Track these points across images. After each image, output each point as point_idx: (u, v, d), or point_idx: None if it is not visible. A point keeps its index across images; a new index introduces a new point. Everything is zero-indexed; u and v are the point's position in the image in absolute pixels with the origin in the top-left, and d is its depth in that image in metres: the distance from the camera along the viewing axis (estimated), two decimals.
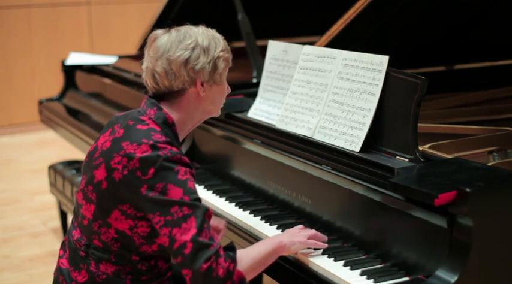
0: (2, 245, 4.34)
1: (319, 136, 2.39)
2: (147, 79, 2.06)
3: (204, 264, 1.83)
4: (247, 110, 2.83)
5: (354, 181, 2.16)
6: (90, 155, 2.05)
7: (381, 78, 2.23)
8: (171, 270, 2.12)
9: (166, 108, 2.04)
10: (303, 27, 4.89)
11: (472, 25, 3.32)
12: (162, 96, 2.06)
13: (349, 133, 2.28)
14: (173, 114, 2.04)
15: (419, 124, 2.15)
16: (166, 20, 4.44)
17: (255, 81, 3.61)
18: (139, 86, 3.73)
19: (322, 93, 2.44)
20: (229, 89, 2.16)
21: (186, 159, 1.94)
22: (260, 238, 2.30)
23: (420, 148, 2.18)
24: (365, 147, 2.23)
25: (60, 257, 2.10)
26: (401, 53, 3.14)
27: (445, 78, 3.54)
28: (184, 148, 3.17)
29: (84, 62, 4.85)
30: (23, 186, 5.49)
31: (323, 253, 2.12)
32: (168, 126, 2.01)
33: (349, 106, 2.32)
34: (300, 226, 2.19)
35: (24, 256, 4.15)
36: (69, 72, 4.95)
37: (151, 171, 1.89)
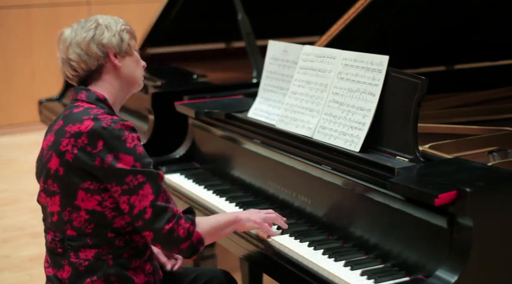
0: (2, 245, 4.34)
1: (319, 136, 2.39)
2: (66, 72, 2.17)
3: (166, 225, 1.99)
4: (247, 110, 2.83)
5: (354, 181, 2.16)
6: (39, 160, 2.14)
7: (381, 78, 2.23)
8: (150, 249, 2.17)
9: (93, 89, 2.15)
10: (303, 27, 4.89)
11: (472, 25, 3.32)
12: (85, 81, 2.17)
13: (349, 133, 2.28)
14: (101, 92, 2.15)
15: (419, 124, 2.15)
16: (166, 20, 4.45)
17: (255, 81, 3.61)
18: None
19: (322, 93, 2.44)
20: (144, 63, 2.27)
21: (129, 123, 2.05)
22: (261, 239, 2.30)
23: (420, 148, 2.18)
24: (365, 147, 2.23)
25: (46, 268, 2.15)
26: (401, 53, 3.14)
27: (445, 78, 3.54)
28: (184, 148, 3.17)
29: None
30: (23, 186, 5.49)
31: (324, 253, 2.12)
32: (101, 101, 2.12)
33: (349, 106, 2.32)
34: (270, 210, 2.30)
35: (24, 256, 4.15)
36: None
37: (100, 143, 1.99)
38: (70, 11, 7.35)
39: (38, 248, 4.24)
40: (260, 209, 2.42)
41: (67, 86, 5.00)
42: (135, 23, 2.20)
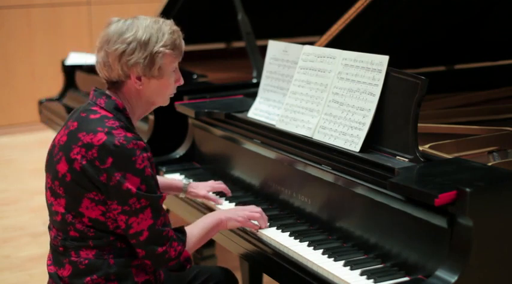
0: (2, 245, 4.34)
1: (319, 136, 2.39)
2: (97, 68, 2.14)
3: (160, 248, 2.01)
4: (247, 110, 2.83)
5: (354, 181, 2.16)
6: (50, 153, 2.10)
7: (381, 78, 2.23)
8: None
9: (114, 96, 2.10)
10: (302, 27, 4.89)
11: (472, 25, 3.32)
12: (108, 83, 2.12)
13: (349, 133, 2.28)
14: (121, 100, 2.10)
15: (419, 124, 2.15)
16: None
17: (255, 81, 3.61)
18: None
19: (322, 93, 2.44)
20: (182, 81, 2.18)
21: (141, 143, 2.00)
22: (261, 238, 2.30)
23: (420, 148, 2.18)
24: (365, 147, 2.23)
25: (48, 265, 2.16)
26: (401, 53, 3.14)
27: (445, 78, 3.54)
28: (184, 148, 3.17)
29: (84, 62, 4.85)
30: (23, 186, 5.49)
31: (323, 253, 2.12)
32: (119, 111, 2.07)
33: (349, 106, 2.32)
34: (251, 206, 2.35)
35: (24, 256, 4.15)
36: (69, 72, 4.95)
37: (109, 160, 1.95)
38: (70, 11, 7.35)
39: (38, 248, 4.24)
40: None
41: (67, 86, 5.00)
42: None
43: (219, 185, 2.64)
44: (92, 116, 2.04)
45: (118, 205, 1.97)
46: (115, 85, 2.11)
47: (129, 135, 1.99)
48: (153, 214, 1.99)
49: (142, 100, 2.13)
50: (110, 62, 2.05)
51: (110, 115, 2.04)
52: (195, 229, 2.17)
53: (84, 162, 1.97)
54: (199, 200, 2.67)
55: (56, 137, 2.10)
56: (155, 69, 2.06)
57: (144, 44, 2.03)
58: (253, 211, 2.31)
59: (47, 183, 2.10)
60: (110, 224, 2.03)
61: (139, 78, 2.07)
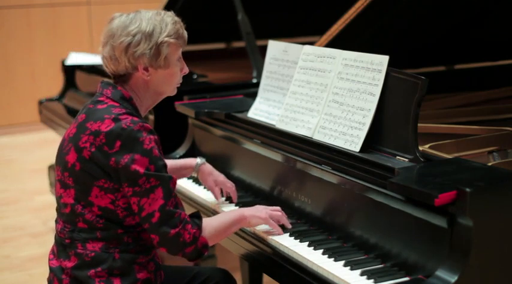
0: (2, 245, 4.34)
1: (319, 136, 2.39)
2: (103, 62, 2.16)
3: (172, 230, 2.00)
4: (247, 110, 2.83)
5: (354, 181, 2.16)
6: (60, 147, 2.14)
7: (381, 78, 2.23)
8: (155, 248, 2.17)
9: (120, 87, 2.13)
10: (302, 27, 4.89)
11: (472, 25, 3.32)
12: (115, 78, 2.15)
13: (349, 133, 2.28)
14: (128, 91, 2.13)
15: (419, 124, 2.15)
16: None
17: (255, 81, 3.61)
18: None
19: (322, 93, 2.44)
20: (187, 69, 2.23)
21: (148, 125, 2.03)
22: (261, 238, 2.30)
23: (420, 148, 2.18)
24: (365, 147, 2.23)
25: (50, 260, 2.16)
26: (401, 53, 3.14)
27: (445, 78, 3.54)
28: (184, 148, 3.17)
29: (84, 62, 4.86)
30: (23, 186, 5.49)
31: (323, 253, 2.12)
32: (126, 100, 2.10)
33: (349, 106, 2.32)
34: (276, 207, 2.32)
35: (24, 256, 4.15)
36: (69, 72, 4.95)
37: (118, 144, 1.98)
38: (70, 11, 7.35)
39: (38, 248, 4.24)
40: None
41: (67, 86, 5.00)
42: None
43: (229, 187, 2.60)
44: (99, 106, 2.07)
45: (129, 187, 1.99)
46: (122, 78, 2.13)
47: (135, 118, 2.03)
48: (164, 194, 2.00)
49: (150, 90, 2.15)
50: (117, 55, 2.08)
51: (116, 104, 2.08)
52: (215, 221, 2.16)
53: (93, 149, 2.00)
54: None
55: (66, 132, 2.14)
56: (161, 59, 2.10)
57: (149, 35, 2.07)
58: (275, 210, 2.30)
59: (56, 175, 2.13)
60: (119, 213, 2.04)
61: (146, 69, 2.11)
